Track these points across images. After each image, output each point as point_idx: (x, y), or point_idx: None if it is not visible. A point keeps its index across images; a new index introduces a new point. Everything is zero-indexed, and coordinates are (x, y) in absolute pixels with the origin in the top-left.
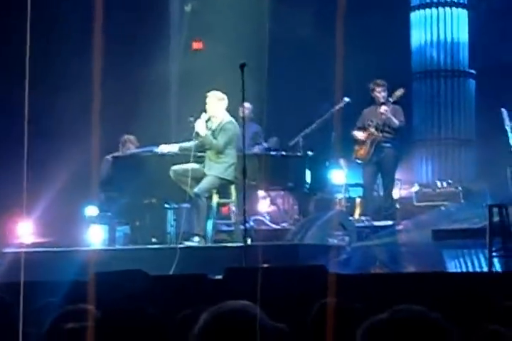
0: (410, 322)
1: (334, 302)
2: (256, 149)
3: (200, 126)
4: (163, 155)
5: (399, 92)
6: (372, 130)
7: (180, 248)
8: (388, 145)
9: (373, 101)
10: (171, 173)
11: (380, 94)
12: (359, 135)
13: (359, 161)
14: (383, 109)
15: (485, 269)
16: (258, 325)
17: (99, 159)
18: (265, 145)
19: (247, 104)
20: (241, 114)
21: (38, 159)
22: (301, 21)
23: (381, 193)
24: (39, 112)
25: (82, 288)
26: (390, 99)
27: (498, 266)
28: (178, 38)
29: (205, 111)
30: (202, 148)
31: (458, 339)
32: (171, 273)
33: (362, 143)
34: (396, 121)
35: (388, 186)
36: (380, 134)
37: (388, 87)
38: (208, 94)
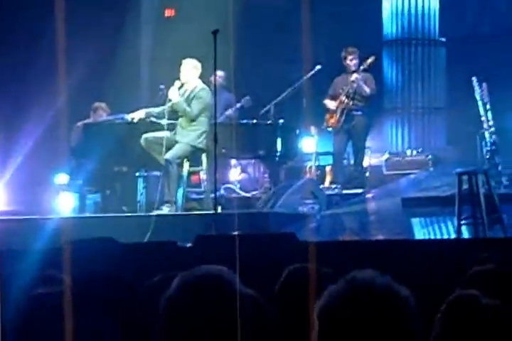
0: (363, 290)
1: (307, 268)
2: (229, 111)
3: (173, 93)
4: (133, 122)
5: (370, 60)
6: (343, 98)
7: (152, 216)
8: (359, 113)
9: (345, 70)
10: (142, 141)
11: (351, 61)
12: (330, 104)
13: (330, 129)
14: (354, 77)
15: (453, 236)
16: (233, 290)
17: (69, 126)
18: (238, 105)
19: (220, 72)
20: (214, 82)
21: (5, 122)
22: None
23: (351, 161)
24: (4, 77)
25: (52, 256)
26: (361, 67)
27: (466, 234)
28: (150, 5)
29: (178, 78)
30: (174, 114)
31: (413, 303)
32: (145, 241)
33: (333, 111)
34: (367, 89)
35: (358, 154)
36: (351, 102)
37: (360, 55)
38: (183, 61)
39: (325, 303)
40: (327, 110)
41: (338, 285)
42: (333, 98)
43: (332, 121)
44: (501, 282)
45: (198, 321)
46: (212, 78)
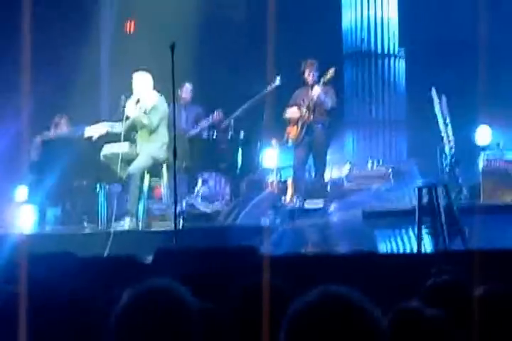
0: (330, 305)
1: (266, 282)
2: (200, 127)
3: (130, 109)
4: (93, 136)
5: (330, 73)
6: (304, 111)
7: (112, 230)
8: (319, 126)
9: (305, 82)
10: (102, 154)
11: (311, 74)
12: (291, 112)
13: (291, 142)
14: (316, 91)
15: (414, 249)
16: (184, 303)
17: (29, 140)
18: (209, 119)
19: (188, 85)
20: (183, 95)
21: None
22: (233, 0)
23: (312, 174)
24: None
25: (9, 271)
26: (322, 80)
27: (427, 246)
28: (110, 18)
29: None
30: (133, 127)
31: (379, 319)
32: (104, 255)
33: (293, 124)
34: (329, 102)
35: (320, 167)
36: (312, 115)
37: (320, 68)
38: (134, 75)
39: (292, 318)
40: (288, 122)
41: (305, 299)
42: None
43: (293, 133)
44: (456, 294)
45: (148, 334)
46: (182, 93)
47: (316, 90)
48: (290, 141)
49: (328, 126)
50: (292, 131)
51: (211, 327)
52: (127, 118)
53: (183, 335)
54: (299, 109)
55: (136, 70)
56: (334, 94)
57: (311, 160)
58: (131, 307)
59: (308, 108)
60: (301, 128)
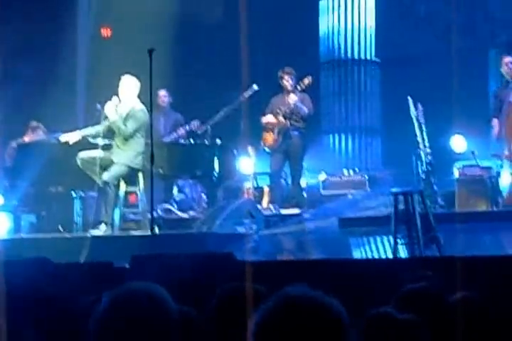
0: (294, 305)
1: (242, 286)
2: (177, 134)
3: (109, 110)
4: (68, 142)
5: (307, 80)
6: (280, 118)
7: (88, 237)
8: (296, 133)
9: (281, 89)
10: (78, 161)
11: (287, 82)
12: (269, 118)
13: (267, 149)
14: (292, 99)
15: (390, 256)
16: (163, 306)
17: (3, 145)
18: (187, 127)
19: (163, 92)
20: (159, 102)
21: None
22: (210, 7)
23: (289, 181)
24: None
25: None
26: (298, 87)
27: (402, 253)
28: (86, 24)
29: (116, 94)
30: (110, 134)
31: (345, 316)
32: (81, 262)
33: (270, 131)
34: (305, 109)
35: (296, 174)
36: (288, 122)
37: (296, 75)
38: (123, 77)
39: (259, 321)
40: (264, 129)
41: (270, 302)
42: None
43: (269, 140)
44: (430, 300)
45: (128, 337)
46: (161, 99)
47: (293, 97)
48: (266, 147)
49: (305, 133)
50: (268, 138)
51: (190, 329)
52: (106, 118)
53: (162, 337)
54: (276, 116)
55: (126, 73)
56: (310, 102)
57: (287, 167)
58: (112, 309)
59: (284, 115)
60: (278, 135)
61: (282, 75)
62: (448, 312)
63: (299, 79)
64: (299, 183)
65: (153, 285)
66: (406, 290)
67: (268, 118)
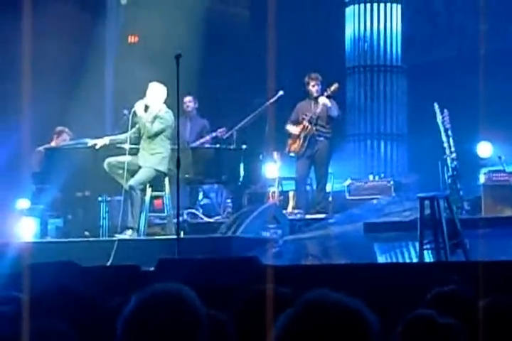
0: (317, 310)
1: (268, 290)
2: (203, 140)
3: (139, 107)
4: (96, 148)
5: (333, 87)
6: (306, 124)
7: (114, 241)
8: (321, 138)
9: (307, 95)
10: (106, 165)
11: (313, 87)
12: (293, 129)
13: (292, 155)
14: (319, 105)
15: (415, 261)
16: (191, 307)
17: (31, 150)
18: (213, 134)
19: (189, 98)
20: (186, 109)
21: None
22: (236, 14)
23: (314, 187)
24: None
25: (12, 280)
26: (325, 94)
27: (428, 258)
28: (115, 31)
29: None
30: (136, 139)
31: (379, 329)
32: (108, 264)
33: (295, 136)
34: (332, 116)
35: (321, 180)
36: (314, 128)
37: (323, 81)
38: (150, 84)
39: (282, 325)
40: (289, 135)
41: (297, 305)
42: (296, 123)
43: (295, 146)
44: (459, 303)
45: (155, 339)
46: (186, 105)
47: (320, 103)
48: (292, 153)
49: (330, 139)
50: (294, 144)
51: (218, 333)
52: (135, 114)
53: (190, 340)
54: (302, 121)
55: (153, 80)
56: (337, 108)
57: (312, 173)
58: (141, 310)
59: (310, 121)
60: (304, 140)
61: (308, 81)
62: (476, 317)
63: (325, 86)
64: (324, 188)
65: (182, 287)
66: (435, 294)
67: (292, 129)
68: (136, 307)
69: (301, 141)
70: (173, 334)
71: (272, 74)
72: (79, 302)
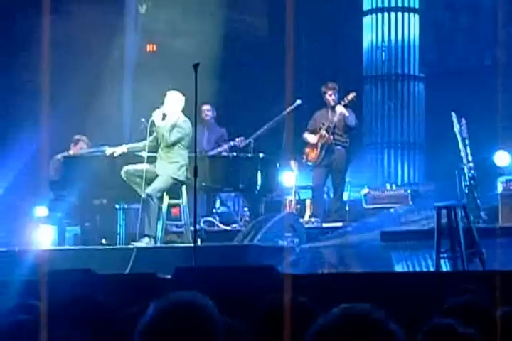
0: (354, 323)
1: (288, 298)
2: (221, 149)
3: (157, 116)
4: (113, 156)
5: (351, 96)
6: (323, 132)
7: (132, 248)
8: (339, 147)
9: (325, 104)
10: (123, 173)
11: (330, 97)
12: (310, 138)
13: (310, 163)
14: (336, 114)
15: (432, 270)
16: (207, 315)
17: (49, 158)
18: (231, 143)
19: (207, 106)
20: (204, 117)
21: None
22: (255, 23)
23: (331, 195)
24: None
25: (30, 287)
26: (342, 102)
27: (445, 268)
28: (133, 40)
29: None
30: (153, 148)
31: (403, 339)
32: (126, 272)
33: (313, 145)
34: (349, 125)
35: (338, 188)
36: (331, 137)
37: (339, 90)
38: (168, 92)
39: (316, 332)
40: (307, 144)
41: (330, 315)
42: (313, 132)
43: (312, 155)
44: (476, 312)
45: None
46: (204, 114)
47: (337, 112)
48: (309, 162)
49: (348, 148)
50: (312, 152)
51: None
52: (153, 123)
53: None
54: (320, 130)
55: (171, 89)
56: (354, 117)
57: (329, 181)
58: (159, 318)
59: (328, 130)
60: (321, 149)
61: (325, 90)
62: (493, 327)
63: (342, 94)
64: (341, 197)
65: (200, 296)
66: (451, 303)
67: (309, 138)
68: (155, 315)
69: (319, 149)
70: None
71: (289, 83)
72: (96, 309)
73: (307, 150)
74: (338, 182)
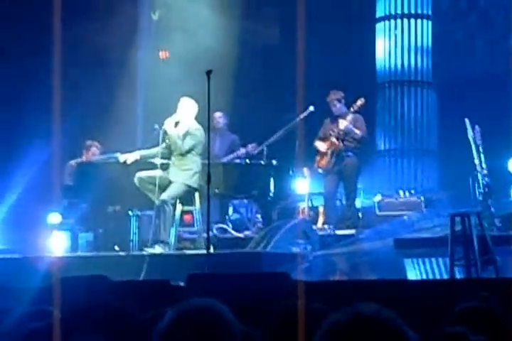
0: (367, 322)
1: (302, 305)
2: (234, 155)
3: (169, 125)
4: (126, 163)
5: (359, 102)
6: (334, 140)
7: (146, 255)
8: (350, 154)
9: (332, 112)
10: (136, 180)
11: (335, 107)
12: (320, 146)
13: (320, 171)
14: (342, 124)
15: (446, 278)
16: (224, 322)
17: (62, 165)
18: (243, 150)
19: (219, 113)
20: (216, 124)
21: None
22: (267, 30)
23: (343, 202)
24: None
25: (44, 293)
26: (351, 109)
27: (458, 275)
28: (146, 46)
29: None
30: (168, 154)
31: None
32: (140, 279)
33: (323, 153)
34: (358, 132)
35: (350, 195)
36: (342, 144)
37: (350, 97)
38: (182, 99)
39: (326, 331)
40: (318, 152)
41: (341, 314)
42: (323, 140)
43: (323, 162)
44: (489, 320)
45: None
46: (216, 121)
47: (346, 119)
48: (320, 169)
49: (358, 154)
50: (322, 160)
51: None
52: (165, 132)
53: None
54: (329, 137)
55: (184, 96)
56: (363, 123)
57: (341, 188)
58: (176, 325)
59: (338, 137)
60: (331, 156)
61: (329, 101)
62: (506, 334)
63: (351, 101)
64: (353, 204)
65: (217, 303)
66: (461, 309)
67: (319, 146)
68: (172, 321)
69: (329, 157)
70: None
71: (301, 90)
72: (110, 316)
73: (318, 157)
74: (349, 189)
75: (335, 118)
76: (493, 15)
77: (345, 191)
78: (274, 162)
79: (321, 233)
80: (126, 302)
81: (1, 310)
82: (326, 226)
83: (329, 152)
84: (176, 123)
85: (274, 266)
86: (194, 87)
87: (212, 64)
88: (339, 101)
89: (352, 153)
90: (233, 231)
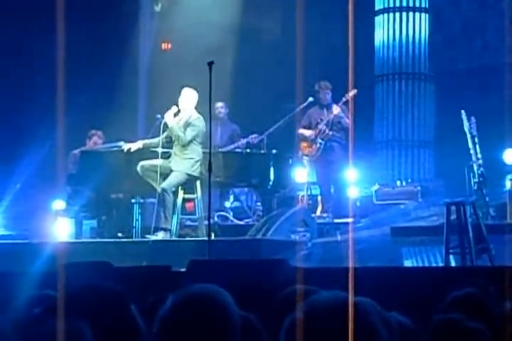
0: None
1: (301, 291)
2: (235, 145)
3: (169, 117)
4: (130, 151)
5: (352, 93)
6: (323, 127)
7: (148, 242)
8: (335, 144)
9: (318, 102)
10: (139, 168)
11: (324, 96)
12: (308, 133)
13: (306, 158)
14: (334, 111)
15: (441, 265)
16: (225, 308)
17: (65, 153)
18: (244, 141)
19: (221, 104)
20: (218, 114)
21: (4, 149)
22: (268, 21)
23: (332, 191)
24: (5, 107)
25: (48, 278)
26: (343, 99)
27: (453, 263)
28: (148, 37)
29: (176, 104)
30: (168, 144)
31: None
32: (142, 265)
33: (309, 140)
34: (348, 120)
35: (338, 184)
36: (330, 132)
37: (343, 89)
38: (183, 89)
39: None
40: (303, 139)
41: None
42: (308, 128)
43: (309, 149)
44: (483, 307)
45: (191, 339)
46: (218, 111)
47: (335, 109)
48: (306, 156)
49: (344, 145)
50: (309, 147)
51: (248, 333)
52: (166, 125)
53: (224, 339)
54: (318, 125)
55: (185, 86)
56: (348, 116)
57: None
58: (177, 310)
59: (326, 126)
60: (320, 144)
61: (318, 90)
62: (500, 322)
63: (338, 93)
64: (343, 192)
65: (218, 289)
66: (454, 297)
67: (306, 133)
68: (174, 306)
69: (317, 145)
70: (208, 333)
71: (301, 82)
72: (111, 301)
73: (304, 144)
74: (337, 178)
75: (322, 108)
76: (491, 5)
77: (334, 180)
78: (274, 151)
79: (319, 221)
80: (128, 287)
81: (7, 294)
82: (324, 214)
83: (318, 140)
84: (177, 112)
85: (273, 253)
86: (196, 78)
87: (214, 54)
88: (327, 92)
89: (337, 143)
90: (234, 219)
